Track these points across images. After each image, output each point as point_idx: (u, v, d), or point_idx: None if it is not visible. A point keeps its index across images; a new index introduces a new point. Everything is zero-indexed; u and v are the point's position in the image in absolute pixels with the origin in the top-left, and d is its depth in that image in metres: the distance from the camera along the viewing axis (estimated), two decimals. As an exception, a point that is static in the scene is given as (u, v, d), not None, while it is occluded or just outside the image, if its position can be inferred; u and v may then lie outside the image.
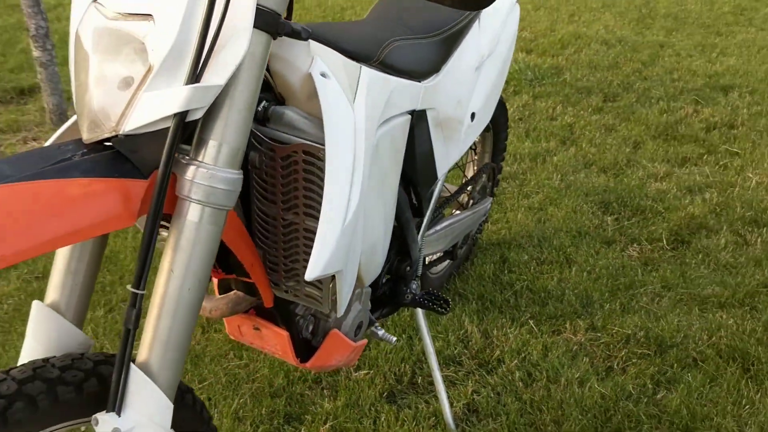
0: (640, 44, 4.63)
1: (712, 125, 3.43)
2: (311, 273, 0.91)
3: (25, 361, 0.92)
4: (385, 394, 1.75)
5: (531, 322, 2.01)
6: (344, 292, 1.07)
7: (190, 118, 0.80)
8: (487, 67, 1.66)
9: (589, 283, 2.19)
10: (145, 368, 0.85)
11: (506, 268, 2.28)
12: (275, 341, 1.26)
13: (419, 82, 1.35)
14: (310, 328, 1.31)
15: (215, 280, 1.26)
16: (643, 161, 3.06)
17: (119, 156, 0.82)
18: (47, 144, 0.98)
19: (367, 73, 1.14)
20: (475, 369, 1.84)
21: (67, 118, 3.53)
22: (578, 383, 1.77)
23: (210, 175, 0.83)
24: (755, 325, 2.00)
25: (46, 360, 0.86)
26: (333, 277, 1.08)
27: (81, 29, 0.85)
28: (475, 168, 2.22)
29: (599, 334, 1.96)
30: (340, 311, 1.10)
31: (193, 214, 0.84)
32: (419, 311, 1.64)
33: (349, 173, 0.95)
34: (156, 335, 0.85)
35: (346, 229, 0.95)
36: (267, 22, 0.83)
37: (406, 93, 1.28)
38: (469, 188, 2.03)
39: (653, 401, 1.72)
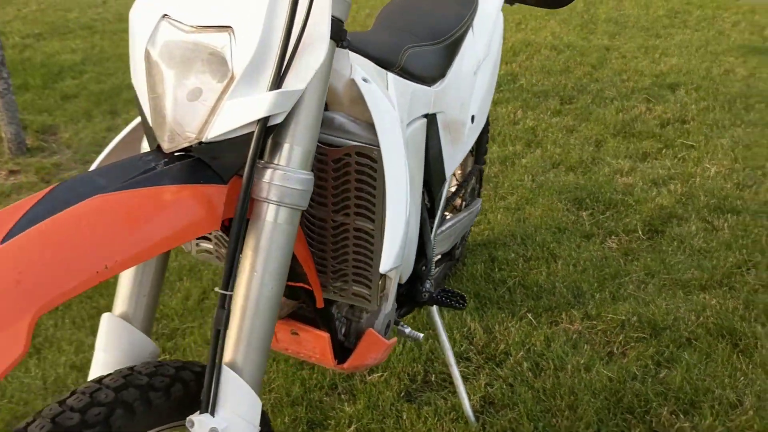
0: (587, 48, 4.82)
1: (666, 121, 3.61)
2: (385, 266, 0.95)
3: (99, 373, 0.93)
4: (403, 393, 1.79)
5: (529, 315, 2.08)
6: (395, 287, 1.11)
7: (272, 122, 0.83)
8: (483, 71, 1.73)
9: (577, 275, 2.28)
10: (233, 368, 0.87)
11: (496, 266, 2.35)
12: (315, 344, 1.29)
13: (430, 86, 1.41)
14: (343, 330, 1.35)
15: None
16: (607, 158, 3.19)
17: (200, 163, 0.85)
18: (96, 165, 1.00)
19: (393, 78, 1.19)
20: (484, 363, 1.89)
21: (26, 147, 3.46)
22: (584, 369, 1.84)
23: (286, 176, 0.87)
24: (736, 303, 2.12)
25: (131, 369, 0.88)
26: (381, 274, 1.11)
27: (151, 45, 0.87)
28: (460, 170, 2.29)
29: (595, 322, 2.05)
30: (388, 307, 1.14)
31: (271, 215, 0.87)
32: (434, 309, 1.69)
33: (405, 171, 1.00)
34: (240, 335, 0.87)
35: (407, 226, 0.99)
36: (335, 31, 0.87)
37: (422, 97, 1.34)
38: (462, 190, 2.10)
39: (657, 380, 1.80)
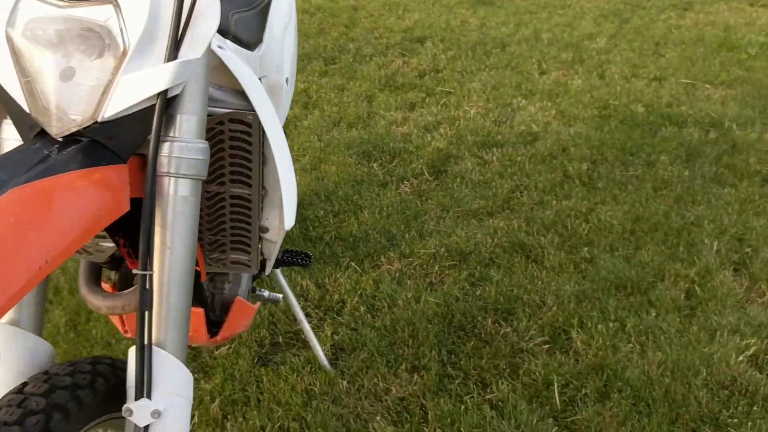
0: (336, 9, 5.01)
1: (422, 72, 3.93)
2: (289, 223, 0.98)
3: (2, 386, 0.86)
4: (256, 360, 1.82)
5: (353, 264, 2.21)
6: (278, 248, 1.14)
7: (171, 94, 0.82)
8: (288, 35, 1.77)
9: (384, 221, 2.46)
10: (161, 347, 0.86)
11: (309, 225, 2.44)
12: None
13: (253, 52, 1.43)
14: (210, 304, 1.35)
15: (113, 277, 1.23)
16: (381, 111, 3.41)
17: (96, 144, 0.81)
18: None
19: (232, 45, 1.20)
20: (324, 315, 1.99)
21: None
22: (414, 301, 2.02)
23: (185, 147, 0.86)
24: (519, 222, 2.45)
25: (45, 373, 0.83)
26: (260, 238, 1.14)
27: (11, 26, 0.80)
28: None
29: (411, 259, 2.24)
30: (269, 269, 1.18)
31: (173, 188, 0.86)
32: (278, 272, 1.73)
33: (281, 129, 1.03)
34: (162, 313, 0.86)
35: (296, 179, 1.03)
36: None
37: (252, 63, 1.36)
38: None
39: (476, 297, 2.04)
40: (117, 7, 0.80)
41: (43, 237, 0.68)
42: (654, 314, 1.98)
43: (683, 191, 2.67)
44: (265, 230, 1.15)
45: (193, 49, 0.83)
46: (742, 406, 1.67)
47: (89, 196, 0.75)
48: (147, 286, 0.82)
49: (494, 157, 2.94)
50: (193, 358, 1.81)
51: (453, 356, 1.83)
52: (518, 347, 1.86)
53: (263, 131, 1.00)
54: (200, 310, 1.26)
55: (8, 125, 0.88)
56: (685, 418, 1.63)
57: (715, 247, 2.30)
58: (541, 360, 1.79)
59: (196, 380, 1.74)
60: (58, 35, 0.79)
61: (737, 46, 4.46)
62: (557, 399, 1.68)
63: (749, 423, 1.61)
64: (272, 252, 1.15)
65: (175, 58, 0.82)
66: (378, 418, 1.63)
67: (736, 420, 1.63)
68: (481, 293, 2.06)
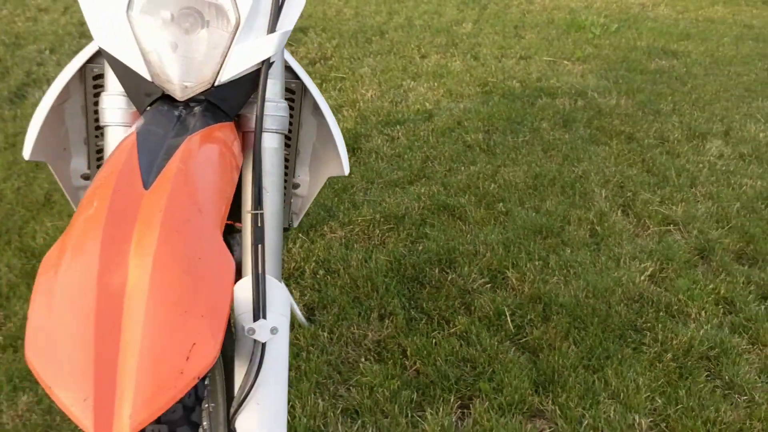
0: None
1: (313, 60, 4.11)
2: (347, 169, 1.17)
3: None
4: (237, 325, 1.95)
5: (300, 235, 2.38)
6: (309, 203, 1.32)
7: (271, 61, 0.97)
8: None
9: (317, 196, 2.63)
10: (269, 273, 1.02)
11: (247, 205, 2.57)
12: None
13: None
14: None
15: None
16: (283, 98, 3.56)
17: (212, 105, 0.95)
18: (34, 138, 1.00)
19: None
20: (288, 281, 2.15)
21: None
22: (366, 260, 2.23)
23: (274, 107, 1.02)
24: (437, 187, 2.73)
25: None
26: (295, 195, 1.31)
27: (131, 8, 0.91)
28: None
29: (351, 227, 2.44)
30: (297, 223, 1.34)
31: (269, 141, 1.02)
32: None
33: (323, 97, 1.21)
34: (266, 245, 1.02)
35: None
36: None
37: None
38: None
39: (420, 252, 2.29)
40: None
41: (222, 177, 0.82)
42: (569, 251, 2.33)
43: (568, 151, 3.07)
44: (296, 186, 1.31)
45: (287, 22, 0.99)
46: (651, 313, 2.04)
47: (226, 148, 0.90)
48: (259, 224, 0.98)
49: (400, 134, 3.19)
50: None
51: (413, 302, 2.06)
52: (465, 289, 2.12)
53: (309, 95, 1.18)
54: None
55: (108, 96, 0.99)
56: (612, 327, 1.97)
57: (603, 194, 2.71)
58: (488, 296, 2.07)
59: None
60: (174, 13, 0.93)
61: (583, 26, 5.03)
62: (510, 325, 1.96)
63: (659, 325, 1.98)
64: (303, 207, 1.31)
65: (274, 30, 0.98)
66: (363, 359, 1.83)
67: (649, 324, 2.00)
68: (423, 248, 2.31)
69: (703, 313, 2.05)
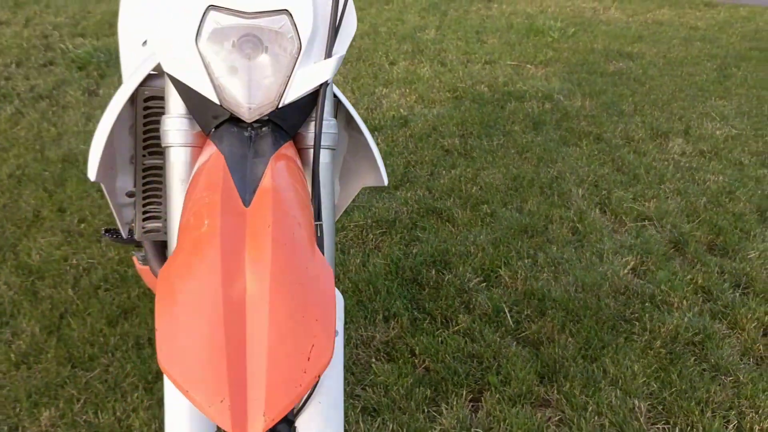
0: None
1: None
2: (386, 180, 1.24)
3: None
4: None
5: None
6: (341, 211, 1.39)
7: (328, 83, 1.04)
8: None
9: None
10: None
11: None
12: None
13: None
14: None
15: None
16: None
17: (276, 126, 1.01)
18: (99, 156, 1.05)
19: None
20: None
21: None
22: (363, 264, 2.31)
23: (327, 124, 1.09)
24: (422, 191, 2.82)
25: None
26: None
27: (199, 35, 0.97)
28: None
29: (344, 232, 2.52)
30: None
31: (323, 157, 1.08)
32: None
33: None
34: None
35: None
36: None
37: None
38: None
39: (414, 255, 2.37)
40: (289, 15, 1.00)
41: (303, 192, 0.90)
42: (555, 249, 2.45)
43: (542, 153, 3.20)
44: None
45: (341, 45, 1.06)
46: (637, 304, 2.17)
47: (296, 165, 0.97)
48: (319, 234, 1.05)
49: (379, 140, 3.28)
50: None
51: (415, 303, 2.14)
52: (462, 288, 2.22)
53: (343, 109, 1.25)
54: None
55: (170, 118, 1.04)
56: (603, 319, 2.09)
57: (580, 193, 2.84)
58: (484, 294, 2.17)
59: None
60: (236, 40, 0.98)
61: (542, 31, 5.21)
62: (510, 320, 2.07)
63: (646, 315, 2.12)
64: (335, 216, 1.38)
65: (330, 54, 1.04)
66: (374, 360, 1.91)
67: (636, 315, 2.13)
68: (418, 251, 2.40)
69: (684, 302, 2.19)
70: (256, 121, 1.02)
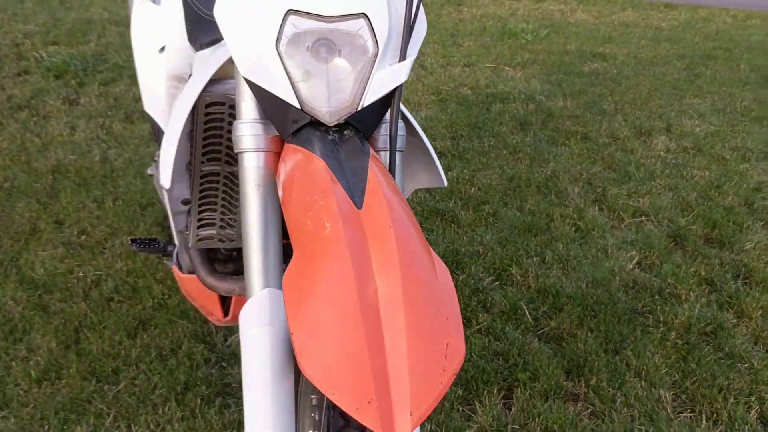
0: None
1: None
2: (445, 181, 1.25)
3: None
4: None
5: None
6: None
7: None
8: None
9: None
10: None
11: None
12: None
13: None
14: None
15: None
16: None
17: (353, 128, 1.01)
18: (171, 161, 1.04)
19: None
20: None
21: None
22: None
23: (400, 126, 1.09)
24: (423, 193, 2.84)
25: None
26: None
27: (280, 40, 0.96)
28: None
29: (352, 236, 2.51)
30: None
31: (398, 159, 1.09)
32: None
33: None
34: None
35: None
36: None
37: None
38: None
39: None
40: (367, 18, 1.01)
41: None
42: (560, 246, 2.49)
43: (533, 153, 3.26)
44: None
45: (412, 48, 1.07)
46: (648, 298, 2.23)
47: (386, 168, 0.98)
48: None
49: (371, 143, 3.28)
50: (210, 349, 1.93)
51: (433, 304, 2.16)
52: (476, 288, 2.24)
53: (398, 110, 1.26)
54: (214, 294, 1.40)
55: (243, 124, 1.03)
56: (618, 313, 2.14)
57: (576, 191, 2.90)
58: (499, 293, 2.20)
59: (220, 368, 1.87)
60: (310, 44, 0.98)
61: (515, 33, 5.29)
62: (529, 317, 2.10)
63: (658, 308, 2.17)
64: None
65: (405, 57, 1.05)
66: (401, 361, 1.91)
67: (648, 308, 2.18)
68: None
69: (691, 294, 2.25)
70: (335, 124, 1.02)
